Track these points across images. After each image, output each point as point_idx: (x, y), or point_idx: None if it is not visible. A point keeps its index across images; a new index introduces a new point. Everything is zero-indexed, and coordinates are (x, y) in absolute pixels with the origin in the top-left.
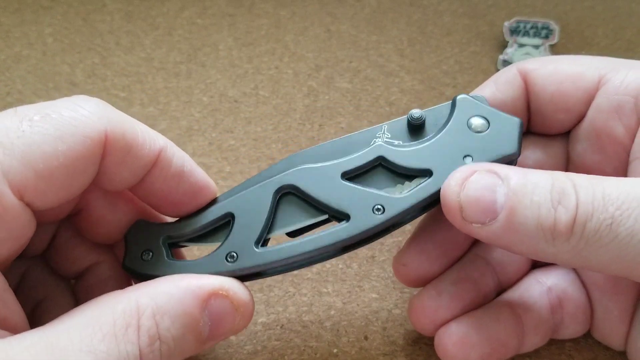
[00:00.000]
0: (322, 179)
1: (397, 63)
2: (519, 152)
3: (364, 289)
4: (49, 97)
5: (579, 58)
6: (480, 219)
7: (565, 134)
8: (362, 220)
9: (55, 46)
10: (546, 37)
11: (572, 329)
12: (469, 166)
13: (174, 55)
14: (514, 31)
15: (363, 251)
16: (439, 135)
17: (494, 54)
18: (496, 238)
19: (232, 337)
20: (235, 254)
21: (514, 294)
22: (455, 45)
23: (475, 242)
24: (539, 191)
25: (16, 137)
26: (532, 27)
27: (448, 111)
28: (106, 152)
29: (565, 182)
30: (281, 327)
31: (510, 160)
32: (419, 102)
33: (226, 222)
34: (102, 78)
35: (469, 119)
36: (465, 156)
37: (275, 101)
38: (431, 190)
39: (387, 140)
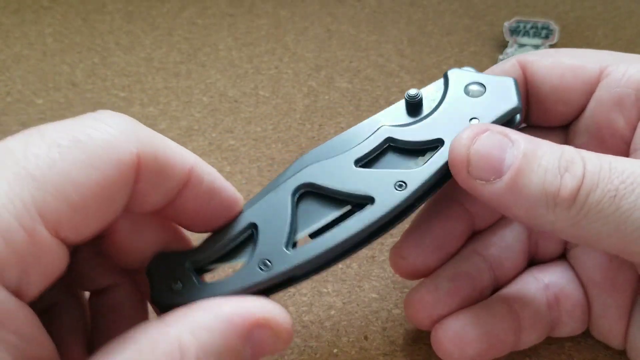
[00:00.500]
0: (336, 170)
1: (397, 63)
2: (520, 105)
3: (364, 289)
4: (49, 97)
5: (579, 51)
6: (485, 176)
7: (564, 128)
8: (386, 199)
9: (55, 46)
10: (546, 37)
11: (569, 327)
12: (482, 124)
13: (174, 55)
14: (514, 31)
15: (363, 251)
16: (440, 107)
17: (494, 54)
18: (497, 198)
19: None
20: (268, 261)
21: (511, 290)
22: (455, 45)
23: (472, 238)
24: (547, 157)
25: (47, 167)
26: (532, 27)
27: (442, 87)
28: (138, 174)
29: (573, 153)
30: None
31: (514, 114)
32: None
33: (249, 235)
34: (102, 78)
35: (465, 87)
36: (471, 119)
37: (275, 101)
38: (447, 156)
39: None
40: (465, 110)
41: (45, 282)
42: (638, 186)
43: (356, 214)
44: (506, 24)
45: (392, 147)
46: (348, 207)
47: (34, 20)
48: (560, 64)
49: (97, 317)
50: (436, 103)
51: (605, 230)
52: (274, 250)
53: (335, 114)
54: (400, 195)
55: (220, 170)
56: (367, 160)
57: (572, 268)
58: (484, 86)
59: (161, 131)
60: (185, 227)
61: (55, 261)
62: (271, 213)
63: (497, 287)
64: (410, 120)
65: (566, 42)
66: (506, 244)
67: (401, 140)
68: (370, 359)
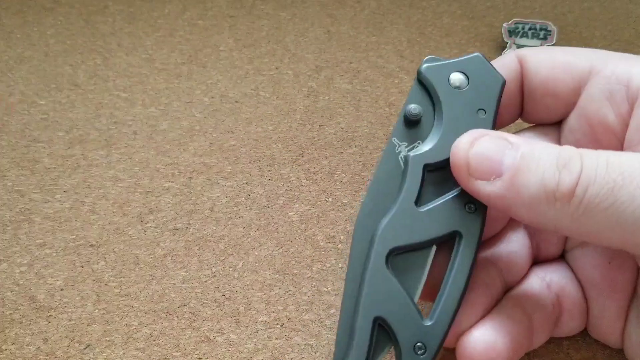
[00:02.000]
0: (407, 223)
1: (396, 64)
2: (504, 78)
3: None
4: (52, 97)
5: (572, 49)
6: (485, 176)
7: (557, 126)
8: (470, 227)
9: (57, 47)
10: (544, 38)
11: (568, 327)
12: (482, 130)
13: (175, 56)
14: (513, 32)
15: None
16: (443, 114)
17: (492, 55)
18: (498, 198)
19: (233, 336)
20: (421, 344)
21: (519, 292)
22: (454, 46)
23: (481, 246)
24: (545, 157)
25: None
26: (530, 29)
27: (419, 90)
28: None
29: (572, 151)
30: (282, 326)
31: (503, 88)
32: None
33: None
34: (104, 79)
35: (449, 83)
36: (478, 110)
37: (275, 102)
38: None
39: (411, 147)
40: (467, 105)
41: None
42: (635, 178)
43: (456, 253)
44: (505, 25)
45: (431, 170)
46: (434, 247)
47: (36, 21)
48: (552, 58)
49: None
50: (429, 108)
51: (605, 224)
52: (417, 330)
53: (335, 114)
54: (477, 217)
55: (222, 170)
56: (424, 197)
57: (571, 269)
58: (464, 73)
59: (162, 131)
60: None
61: None
62: (386, 298)
63: (506, 292)
64: (411, 134)
65: (564, 43)
66: (513, 249)
67: (435, 163)
68: None
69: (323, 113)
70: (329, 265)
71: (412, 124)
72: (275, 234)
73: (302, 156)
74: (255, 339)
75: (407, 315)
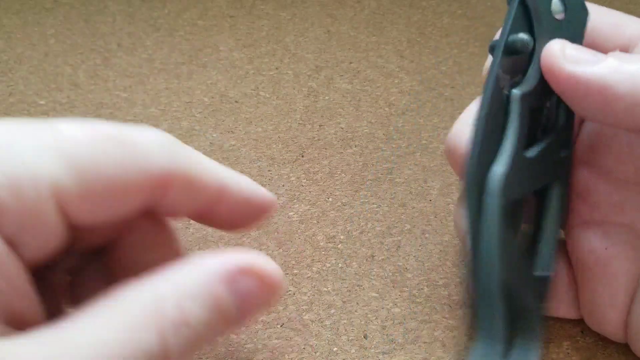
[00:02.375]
0: (520, 173)
1: (396, 64)
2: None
3: (364, 287)
4: (51, 97)
5: (624, 14)
6: (584, 58)
7: None
8: (562, 176)
9: (57, 47)
10: None
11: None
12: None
13: (175, 56)
14: None
15: (362, 250)
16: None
17: None
18: (600, 78)
19: (233, 336)
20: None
21: None
22: (454, 46)
23: None
24: None
25: (84, 152)
26: None
27: (521, 14)
28: (167, 187)
29: None
30: (281, 326)
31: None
32: (418, 102)
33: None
34: (104, 79)
35: (550, 10)
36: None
37: (275, 102)
38: None
39: (513, 83)
40: (566, 36)
41: (38, 251)
42: None
43: (551, 203)
44: None
45: (533, 110)
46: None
47: (37, 21)
48: (605, 15)
49: None
50: (528, 33)
51: None
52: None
53: (335, 114)
54: (567, 164)
55: None
56: (529, 139)
57: (566, 248)
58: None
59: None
60: (217, 228)
61: (53, 234)
62: (510, 259)
63: None
64: (512, 62)
65: None
66: None
67: (538, 107)
68: (370, 357)
69: (323, 113)
70: (329, 265)
71: (514, 54)
72: (275, 234)
73: (302, 156)
74: (254, 339)
75: (526, 276)
